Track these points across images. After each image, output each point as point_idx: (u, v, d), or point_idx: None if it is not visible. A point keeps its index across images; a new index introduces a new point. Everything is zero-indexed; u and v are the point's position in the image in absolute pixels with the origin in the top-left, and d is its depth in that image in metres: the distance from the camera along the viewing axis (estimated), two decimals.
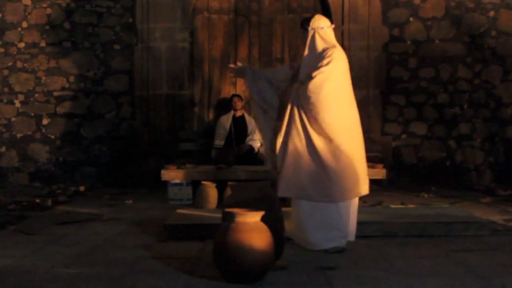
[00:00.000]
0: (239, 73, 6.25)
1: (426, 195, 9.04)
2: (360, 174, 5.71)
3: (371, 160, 9.60)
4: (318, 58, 5.66)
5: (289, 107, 5.64)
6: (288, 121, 5.64)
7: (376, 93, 10.45)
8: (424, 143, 10.51)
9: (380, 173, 9.20)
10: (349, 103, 5.73)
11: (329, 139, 5.56)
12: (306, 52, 5.77)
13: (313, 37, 5.74)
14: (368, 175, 9.02)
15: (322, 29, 5.75)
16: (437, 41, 10.52)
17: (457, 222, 6.39)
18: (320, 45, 5.72)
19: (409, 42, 10.53)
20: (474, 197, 8.86)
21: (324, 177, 5.57)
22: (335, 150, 5.56)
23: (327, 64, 5.57)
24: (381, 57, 10.49)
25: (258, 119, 6.08)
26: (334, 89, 5.58)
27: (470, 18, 10.49)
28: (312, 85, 5.52)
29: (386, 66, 10.50)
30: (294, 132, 5.61)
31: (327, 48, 5.68)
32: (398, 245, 5.82)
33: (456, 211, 7.13)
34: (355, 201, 5.76)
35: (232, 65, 6.34)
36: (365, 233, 6.16)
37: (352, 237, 5.77)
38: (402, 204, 8.07)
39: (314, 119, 5.56)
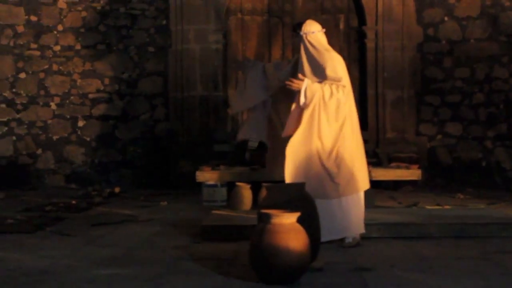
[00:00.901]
0: (240, 66, 6.45)
1: (462, 196, 8.95)
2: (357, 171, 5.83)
3: (406, 161, 9.56)
4: (315, 63, 5.82)
5: (309, 111, 5.73)
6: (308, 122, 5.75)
7: (411, 93, 10.38)
8: (460, 143, 10.41)
9: (415, 174, 9.13)
10: (352, 105, 5.91)
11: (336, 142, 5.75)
12: (300, 57, 5.92)
13: (304, 41, 5.91)
14: (403, 176, 9.17)
15: (313, 33, 5.94)
16: (472, 41, 10.41)
17: (494, 223, 6.33)
18: (312, 49, 5.89)
19: (444, 42, 10.44)
20: (511, 198, 8.76)
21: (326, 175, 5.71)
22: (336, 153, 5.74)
23: (340, 79, 5.76)
24: (416, 57, 10.42)
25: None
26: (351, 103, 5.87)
27: (506, 17, 10.36)
28: (336, 104, 5.71)
29: (421, 66, 10.43)
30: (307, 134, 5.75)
31: (322, 53, 5.84)
32: (435, 246, 5.79)
33: (493, 212, 7.07)
34: (358, 196, 5.82)
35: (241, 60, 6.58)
36: (401, 234, 6.15)
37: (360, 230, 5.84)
38: (438, 205, 8.01)
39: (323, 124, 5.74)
